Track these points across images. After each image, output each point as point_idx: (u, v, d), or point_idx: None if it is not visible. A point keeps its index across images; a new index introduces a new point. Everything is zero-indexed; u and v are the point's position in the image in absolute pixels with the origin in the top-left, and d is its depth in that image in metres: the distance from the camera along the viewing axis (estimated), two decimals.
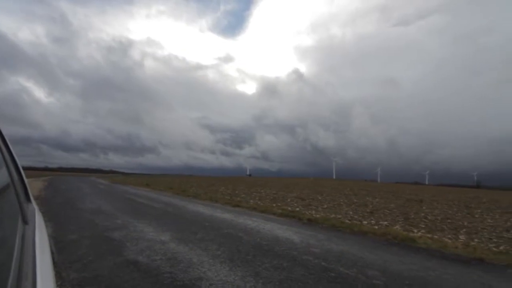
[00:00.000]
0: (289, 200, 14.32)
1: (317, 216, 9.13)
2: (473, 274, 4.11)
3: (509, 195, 32.75)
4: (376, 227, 7.85)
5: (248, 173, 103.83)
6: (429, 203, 16.03)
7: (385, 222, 8.80)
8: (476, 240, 7.00)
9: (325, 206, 12.41)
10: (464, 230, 8.27)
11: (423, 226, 8.67)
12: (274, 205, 11.87)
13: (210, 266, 3.89)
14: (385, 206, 13.34)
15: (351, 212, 10.71)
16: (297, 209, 10.92)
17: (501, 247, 6.28)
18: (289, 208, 10.89)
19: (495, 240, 7.08)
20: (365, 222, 8.62)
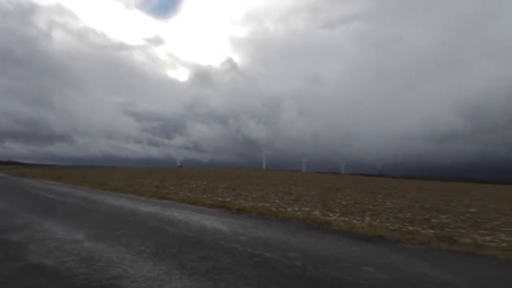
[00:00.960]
0: (220, 190, 14.39)
1: (246, 205, 9.43)
2: (374, 249, 4.85)
3: (405, 183, 39.31)
4: (299, 213, 8.52)
5: (178, 164, 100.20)
6: (343, 190, 18.13)
7: (307, 208, 9.62)
8: (377, 220, 8.22)
9: (255, 195, 12.88)
10: (369, 212, 9.63)
11: (338, 210, 9.77)
12: (205, 196, 11.79)
13: (132, 263, 3.67)
14: (308, 194, 14.57)
15: (277, 200, 11.36)
16: (228, 199, 11.07)
17: (396, 225, 7.53)
18: (220, 199, 10.97)
19: (391, 220, 8.43)
20: (289, 209, 9.26)
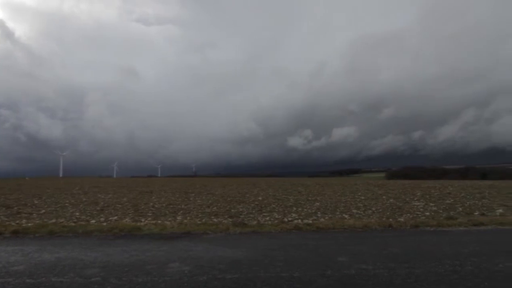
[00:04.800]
0: None
1: (29, 225, 7.35)
2: (181, 245, 5.14)
3: (215, 181, 44.21)
4: (105, 223, 7.63)
5: None
6: (158, 193, 17.98)
7: (115, 217, 8.79)
8: (188, 218, 8.78)
9: (43, 211, 10.27)
10: (181, 211, 10.11)
11: (151, 214, 9.59)
12: None
13: None
14: (118, 201, 13.31)
15: (77, 213, 9.64)
16: None
17: (203, 220, 8.33)
18: None
19: (200, 215, 9.25)
20: (93, 221, 8.12)
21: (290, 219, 8.48)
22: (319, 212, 9.72)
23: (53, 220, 8.12)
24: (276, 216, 8.96)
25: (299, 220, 8.11)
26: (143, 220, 8.40)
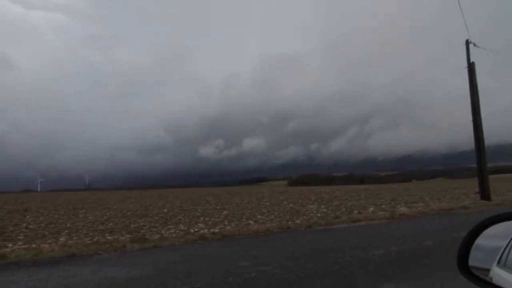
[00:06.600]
0: None
1: None
2: (61, 270, 4.32)
3: (113, 194, 39.38)
4: None
5: None
6: (35, 211, 14.86)
7: None
8: (75, 238, 7.52)
9: None
10: (66, 231, 8.59)
11: (22, 237, 7.83)
12: None
13: None
14: None
15: None
16: None
17: (95, 239, 7.27)
18: None
19: (91, 234, 8.05)
20: None
21: (196, 229, 8.26)
22: (226, 220, 9.81)
23: None
24: (182, 228, 8.60)
25: (206, 230, 7.99)
26: (10, 245, 6.78)
